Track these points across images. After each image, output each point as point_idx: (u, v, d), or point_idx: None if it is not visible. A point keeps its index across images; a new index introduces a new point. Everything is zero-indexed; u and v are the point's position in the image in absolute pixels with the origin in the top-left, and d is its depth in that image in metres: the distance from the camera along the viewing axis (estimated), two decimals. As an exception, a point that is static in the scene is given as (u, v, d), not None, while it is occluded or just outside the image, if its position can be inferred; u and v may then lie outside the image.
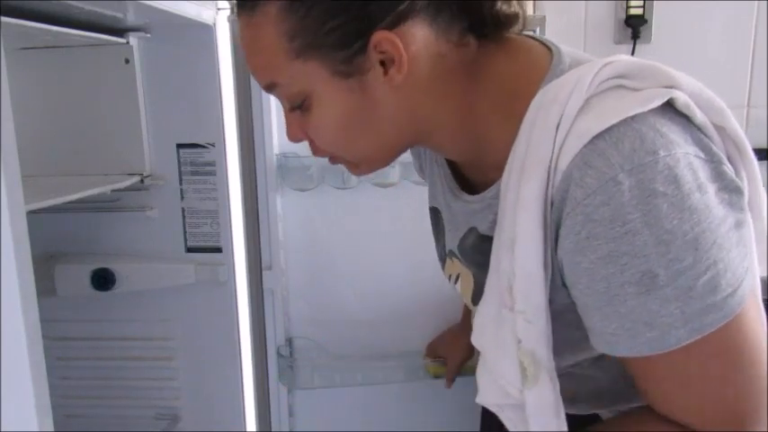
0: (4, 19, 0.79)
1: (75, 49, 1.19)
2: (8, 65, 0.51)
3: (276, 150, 1.35)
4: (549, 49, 0.62)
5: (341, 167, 0.69)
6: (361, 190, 1.36)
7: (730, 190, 0.53)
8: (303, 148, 1.36)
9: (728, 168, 0.54)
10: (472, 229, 0.68)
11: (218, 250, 1.31)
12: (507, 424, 0.63)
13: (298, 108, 0.62)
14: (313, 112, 0.61)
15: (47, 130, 1.23)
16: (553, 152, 0.54)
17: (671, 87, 0.55)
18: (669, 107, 0.54)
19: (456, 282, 0.75)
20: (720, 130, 0.56)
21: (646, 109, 0.52)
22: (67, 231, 1.31)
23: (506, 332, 0.59)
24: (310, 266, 1.43)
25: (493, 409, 0.65)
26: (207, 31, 1.21)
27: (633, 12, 1.47)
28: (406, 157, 1.41)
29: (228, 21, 1.27)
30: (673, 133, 0.52)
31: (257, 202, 1.36)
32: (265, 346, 1.43)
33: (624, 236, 0.50)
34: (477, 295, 0.69)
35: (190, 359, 1.38)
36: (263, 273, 1.40)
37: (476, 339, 0.65)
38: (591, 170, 0.51)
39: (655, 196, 0.50)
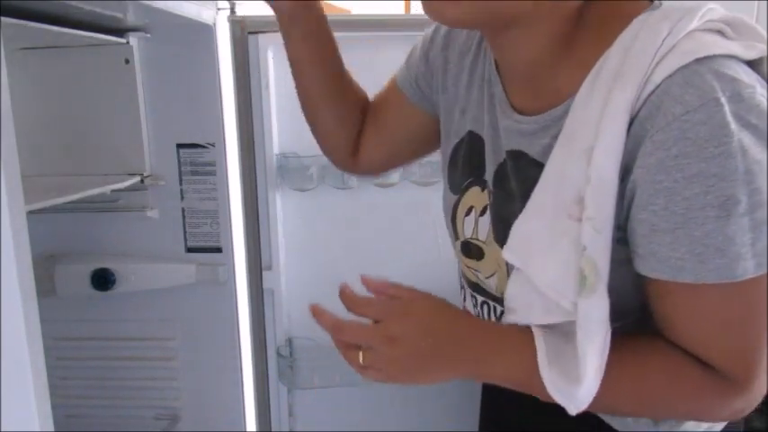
0: (4, 19, 0.79)
1: (75, 49, 1.19)
2: (8, 65, 0.51)
3: (276, 150, 1.35)
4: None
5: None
6: (361, 190, 1.36)
7: None
8: (303, 147, 1.36)
9: None
10: (516, 153, 0.66)
11: (218, 250, 1.31)
12: (541, 353, 0.60)
13: None
14: None
15: (47, 130, 1.23)
16: (651, 63, 0.54)
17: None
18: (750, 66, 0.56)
19: (482, 214, 0.72)
20: None
21: (746, 56, 0.55)
22: (67, 231, 1.31)
23: (567, 242, 0.58)
24: (310, 266, 1.43)
25: (535, 329, 0.62)
26: (207, 31, 1.21)
27: (633, 12, 1.46)
28: (406, 157, 1.41)
29: (228, 21, 1.27)
30: (759, 83, 0.54)
31: (257, 202, 1.36)
32: (265, 346, 1.43)
33: (717, 157, 0.51)
34: (500, 223, 0.67)
35: (190, 359, 1.38)
36: (263, 273, 1.40)
37: (514, 254, 0.62)
38: (692, 89, 0.52)
39: (748, 126, 0.51)
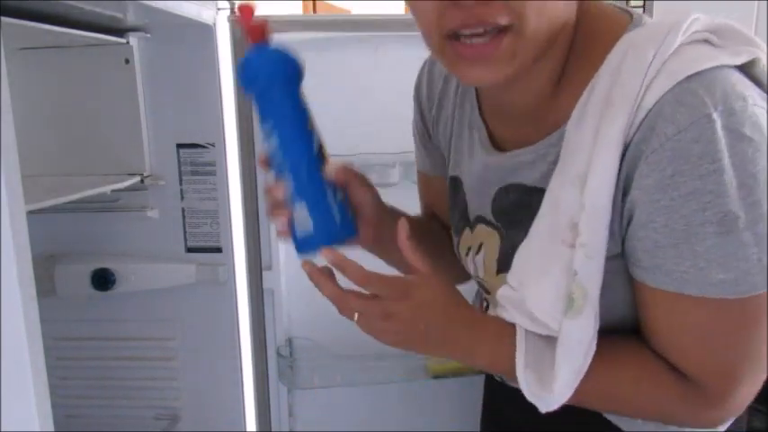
0: (5, 19, 0.79)
1: (75, 49, 1.19)
2: (8, 65, 0.51)
3: (276, 150, 1.35)
4: (629, 13, 0.63)
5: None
6: (361, 190, 1.36)
7: None
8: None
9: None
10: (512, 186, 0.67)
11: (218, 250, 1.31)
12: (520, 356, 0.61)
13: None
14: None
15: (47, 130, 1.23)
16: (640, 89, 0.54)
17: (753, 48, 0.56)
18: (744, 72, 0.55)
19: (477, 253, 0.73)
20: None
21: (735, 62, 0.54)
22: (67, 231, 1.31)
23: (558, 267, 0.58)
24: (310, 266, 1.42)
25: (518, 329, 0.63)
26: (207, 31, 1.21)
27: (633, 12, 1.46)
28: (407, 157, 1.42)
29: (228, 21, 1.27)
30: (753, 91, 0.54)
31: (257, 202, 1.36)
32: (265, 346, 1.43)
33: (712, 174, 0.51)
34: (503, 259, 0.68)
35: (190, 359, 1.38)
36: (263, 273, 1.40)
37: (513, 277, 0.64)
38: (683, 107, 0.52)
39: (741, 140, 0.51)
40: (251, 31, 0.67)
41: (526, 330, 0.62)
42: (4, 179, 0.49)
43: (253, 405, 1.45)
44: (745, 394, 0.59)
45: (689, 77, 0.53)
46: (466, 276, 0.79)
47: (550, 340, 0.61)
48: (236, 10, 1.25)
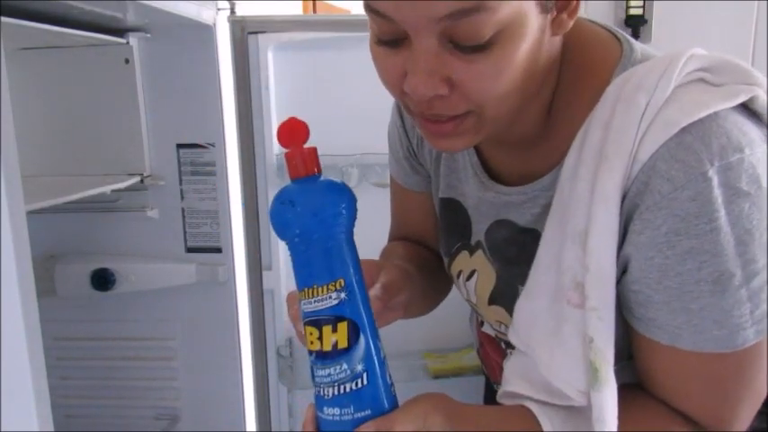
0: (5, 19, 0.79)
1: (75, 49, 1.19)
2: (8, 65, 0.51)
3: (276, 150, 1.35)
4: (616, 37, 0.61)
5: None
6: (361, 190, 1.36)
7: None
8: (303, 148, 1.36)
9: None
10: (504, 222, 0.66)
11: (218, 250, 1.31)
12: (544, 422, 0.58)
13: (469, 48, 0.49)
14: (498, 50, 0.49)
15: (47, 130, 1.23)
16: (635, 141, 0.52)
17: (751, 85, 0.54)
18: (742, 105, 0.53)
19: (468, 278, 0.72)
20: None
21: (732, 104, 0.52)
22: (67, 231, 1.31)
23: (571, 330, 0.56)
24: (310, 266, 1.42)
25: (525, 402, 0.60)
26: (207, 31, 1.21)
27: (633, 12, 1.46)
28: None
29: (228, 21, 1.27)
30: (752, 132, 0.52)
31: (257, 203, 1.36)
32: (265, 346, 1.43)
33: (709, 233, 0.50)
34: (496, 293, 0.67)
35: (190, 359, 1.38)
36: (263, 273, 1.40)
37: (518, 336, 0.61)
38: (678, 164, 0.50)
39: (738, 196, 0.50)
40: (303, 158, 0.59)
41: (541, 408, 0.59)
42: (4, 179, 0.49)
43: (253, 405, 1.45)
44: (748, 416, 0.58)
45: (683, 129, 0.50)
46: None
47: (572, 410, 0.58)
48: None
